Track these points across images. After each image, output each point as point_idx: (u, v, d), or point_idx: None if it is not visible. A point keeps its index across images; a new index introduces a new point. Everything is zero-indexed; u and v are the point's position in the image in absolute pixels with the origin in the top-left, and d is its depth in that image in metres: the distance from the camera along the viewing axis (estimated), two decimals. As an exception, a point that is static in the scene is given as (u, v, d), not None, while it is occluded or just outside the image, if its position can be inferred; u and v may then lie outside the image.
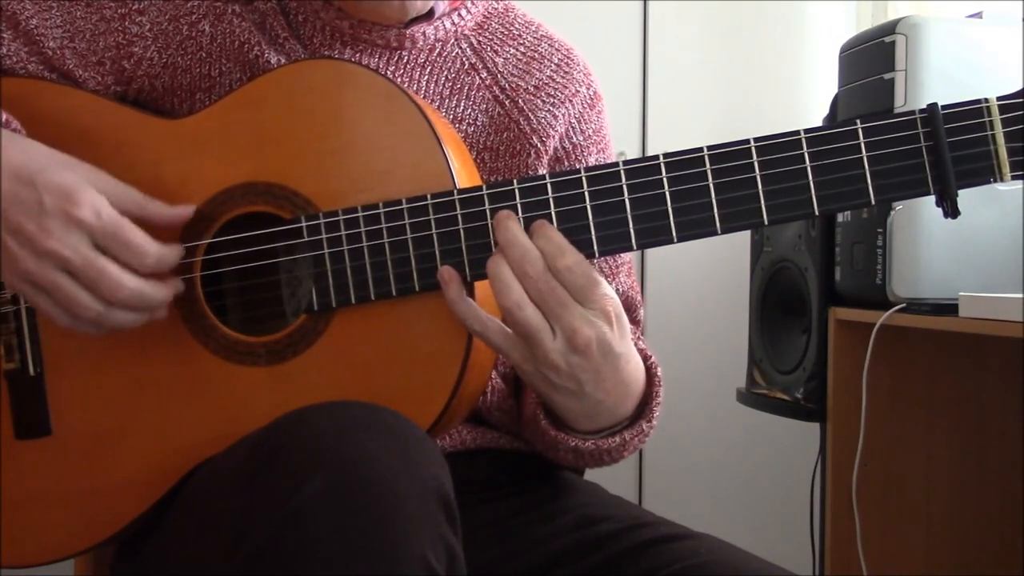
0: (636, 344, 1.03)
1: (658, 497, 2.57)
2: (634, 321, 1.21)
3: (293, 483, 0.80)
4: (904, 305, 1.76)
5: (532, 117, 1.14)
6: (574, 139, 1.16)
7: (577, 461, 1.06)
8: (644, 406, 1.03)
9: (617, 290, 1.18)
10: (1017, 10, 1.81)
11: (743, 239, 2.24)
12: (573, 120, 1.16)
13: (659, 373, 1.04)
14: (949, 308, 1.67)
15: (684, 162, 0.94)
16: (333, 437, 0.83)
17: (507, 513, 1.09)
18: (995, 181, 0.92)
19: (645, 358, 1.03)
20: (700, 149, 0.94)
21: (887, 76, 1.77)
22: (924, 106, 0.92)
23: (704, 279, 2.56)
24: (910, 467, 1.93)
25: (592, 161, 1.17)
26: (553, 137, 1.14)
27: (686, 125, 2.56)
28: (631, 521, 1.05)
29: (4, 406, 1.03)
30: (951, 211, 0.92)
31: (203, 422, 1.00)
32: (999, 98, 0.92)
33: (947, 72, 1.74)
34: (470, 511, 0.92)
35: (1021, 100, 0.92)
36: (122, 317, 0.96)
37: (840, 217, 1.92)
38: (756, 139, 0.93)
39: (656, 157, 0.94)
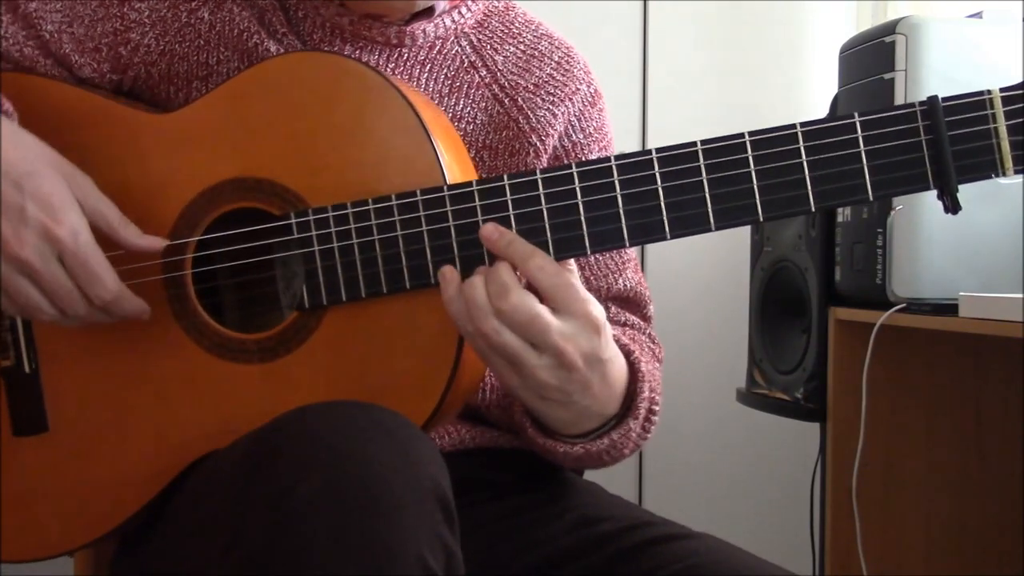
0: (619, 340, 1.01)
1: (658, 497, 2.57)
2: (645, 317, 1.20)
3: (290, 482, 0.80)
4: (904, 305, 1.76)
5: (531, 116, 1.13)
6: (574, 137, 1.15)
7: (575, 463, 1.05)
8: (630, 402, 1.02)
9: (624, 286, 1.18)
10: (1017, 10, 1.81)
11: (743, 239, 2.23)
12: (573, 118, 1.15)
13: (642, 368, 1.02)
14: (949, 308, 1.67)
15: (677, 157, 0.93)
16: (331, 436, 0.83)
17: (507, 513, 1.08)
18: (997, 175, 0.91)
19: (627, 353, 1.02)
20: (693, 143, 0.93)
21: (887, 76, 1.76)
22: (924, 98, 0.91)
23: (704, 279, 2.56)
24: (910, 467, 1.93)
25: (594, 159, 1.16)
26: (552, 136, 1.14)
27: (686, 125, 2.56)
28: (631, 521, 1.04)
29: (1, 403, 1.03)
30: (952, 206, 0.91)
31: (197, 419, 1.00)
32: (1002, 89, 0.91)
33: (947, 72, 1.74)
34: (470, 511, 0.92)
35: None
36: (77, 321, 0.97)
37: (840, 217, 1.92)
38: (751, 133, 0.92)
39: (648, 152, 0.93)
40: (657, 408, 1.04)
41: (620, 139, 1.22)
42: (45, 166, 0.95)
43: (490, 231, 0.94)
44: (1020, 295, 1.53)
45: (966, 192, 0.92)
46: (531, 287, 0.94)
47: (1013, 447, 1.94)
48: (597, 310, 0.93)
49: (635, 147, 2.55)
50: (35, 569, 1.10)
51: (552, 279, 0.92)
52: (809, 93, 2.58)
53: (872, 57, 1.81)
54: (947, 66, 1.74)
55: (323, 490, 0.79)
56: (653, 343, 1.18)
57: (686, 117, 2.57)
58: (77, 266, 0.95)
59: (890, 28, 1.78)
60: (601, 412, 0.99)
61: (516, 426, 1.09)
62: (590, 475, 1.19)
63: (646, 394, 1.02)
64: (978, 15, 1.85)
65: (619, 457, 1.04)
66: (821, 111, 2.10)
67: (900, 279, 1.76)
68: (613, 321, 1.17)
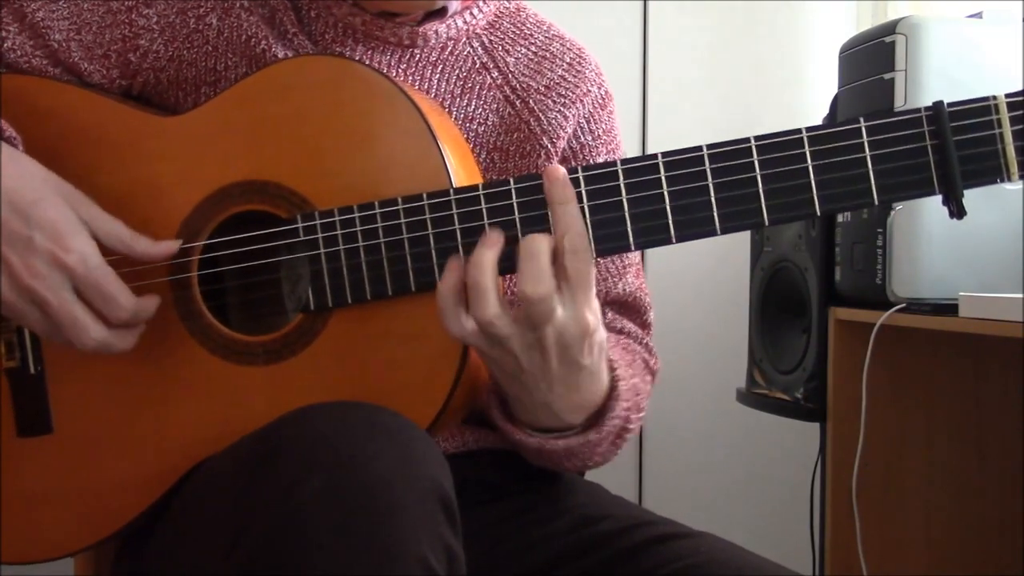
0: (611, 354, 1.01)
1: (658, 497, 2.57)
2: (643, 324, 1.20)
3: (291, 482, 0.80)
4: (904, 305, 1.76)
5: (543, 118, 1.13)
6: (583, 139, 1.15)
7: (536, 458, 1.04)
8: (596, 419, 1.01)
9: (623, 291, 1.17)
10: (1017, 10, 1.81)
11: (743, 239, 2.24)
12: (583, 120, 1.15)
13: (620, 387, 1.01)
14: (949, 308, 1.67)
15: (683, 161, 0.93)
16: (332, 437, 0.83)
17: (509, 513, 1.09)
18: (1002, 180, 0.90)
19: (612, 369, 1.01)
20: (699, 148, 0.93)
21: (887, 76, 1.77)
22: (929, 104, 0.91)
23: (704, 279, 2.57)
24: (910, 467, 1.93)
25: (601, 161, 1.16)
26: (563, 138, 1.14)
27: (686, 125, 2.56)
28: (631, 520, 1.05)
29: (5, 404, 1.03)
30: (957, 211, 0.91)
31: (202, 421, 1.00)
32: (1008, 95, 0.90)
33: (947, 72, 1.74)
34: (472, 512, 0.92)
35: None
36: (82, 349, 0.97)
37: (840, 217, 1.92)
38: (757, 138, 0.92)
39: (655, 156, 0.93)
40: (632, 427, 1.04)
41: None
42: (50, 192, 0.95)
43: (562, 175, 0.92)
44: (1020, 295, 1.53)
45: (966, 192, 0.91)
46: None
47: (1013, 447, 1.94)
48: (594, 317, 0.93)
49: (635, 146, 2.55)
50: (36, 570, 1.10)
51: (583, 266, 0.91)
52: (809, 93, 2.58)
53: (872, 57, 1.81)
54: (947, 66, 1.74)
55: (324, 491, 0.79)
56: (649, 354, 1.17)
57: (686, 117, 2.57)
58: (91, 289, 0.95)
59: (890, 28, 1.78)
60: (558, 415, 0.98)
61: (482, 405, 1.07)
62: (591, 475, 1.19)
63: (618, 412, 1.01)
64: (978, 15, 1.85)
65: (582, 466, 1.04)
66: (821, 111, 2.10)
67: (900, 279, 1.76)
68: (609, 327, 1.16)
